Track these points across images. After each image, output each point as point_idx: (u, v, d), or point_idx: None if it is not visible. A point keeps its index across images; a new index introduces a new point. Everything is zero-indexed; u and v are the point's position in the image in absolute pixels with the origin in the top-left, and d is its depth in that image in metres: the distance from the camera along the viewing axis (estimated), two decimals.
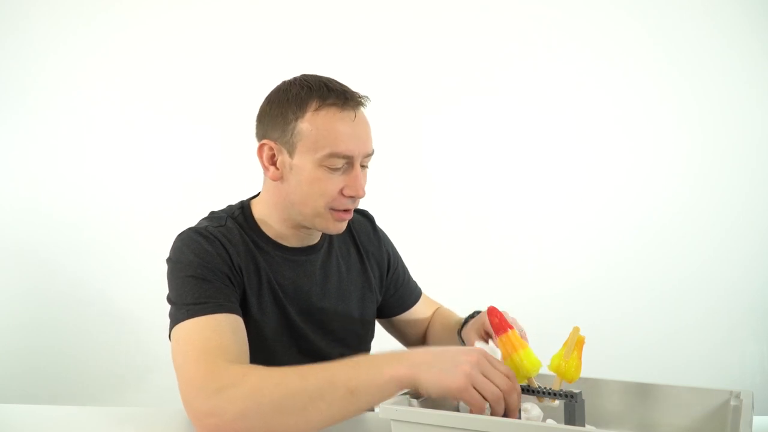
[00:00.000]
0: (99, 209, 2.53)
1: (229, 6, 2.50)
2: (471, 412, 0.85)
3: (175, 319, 1.02)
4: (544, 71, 2.46)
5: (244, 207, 1.19)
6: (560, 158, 2.47)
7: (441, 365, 0.85)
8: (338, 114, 1.08)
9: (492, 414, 0.84)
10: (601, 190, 2.45)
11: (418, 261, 2.32)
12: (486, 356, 0.87)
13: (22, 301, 2.57)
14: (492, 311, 1.00)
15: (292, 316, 1.15)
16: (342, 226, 1.14)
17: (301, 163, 1.08)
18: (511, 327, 0.97)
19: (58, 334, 2.52)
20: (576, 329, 0.91)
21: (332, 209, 1.10)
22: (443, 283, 2.48)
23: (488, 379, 0.84)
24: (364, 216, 1.36)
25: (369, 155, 1.12)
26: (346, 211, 1.12)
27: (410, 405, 0.90)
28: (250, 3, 2.50)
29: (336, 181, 1.09)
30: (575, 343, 0.90)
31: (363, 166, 1.12)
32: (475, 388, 0.83)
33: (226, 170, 2.41)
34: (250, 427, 0.87)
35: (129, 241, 2.46)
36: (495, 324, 0.98)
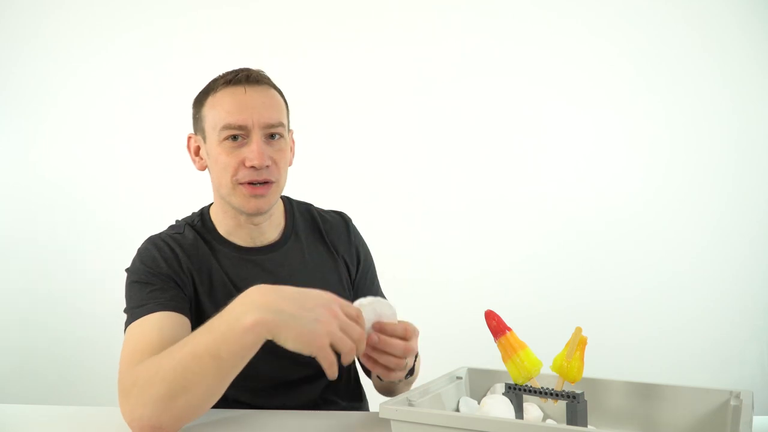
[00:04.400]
0: (98, 209, 2.53)
1: (223, 10, 2.50)
2: (322, 366, 0.84)
3: (125, 324, 1.06)
4: (547, 72, 2.45)
5: (204, 213, 1.24)
6: (563, 159, 2.47)
7: (301, 319, 0.83)
8: (228, 90, 1.13)
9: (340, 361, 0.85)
10: (603, 190, 2.45)
11: (419, 262, 2.33)
12: (340, 305, 0.86)
13: (22, 301, 2.57)
14: (489, 314, 0.99)
15: None
16: (258, 203, 1.14)
17: (210, 145, 1.15)
18: (509, 329, 0.97)
19: (58, 334, 2.52)
20: (578, 330, 0.90)
21: (240, 183, 1.12)
22: (443, 285, 2.49)
23: (346, 334, 0.84)
24: (340, 216, 1.35)
25: (272, 126, 1.14)
26: (254, 185, 1.12)
27: (410, 405, 0.90)
28: (243, 7, 2.50)
29: (236, 154, 1.11)
30: (577, 344, 0.90)
31: (273, 139, 1.14)
32: (332, 345, 0.83)
33: None
34: (158, 417, 0.89)
35: (130, 240, 2.45)
36: (493, 327, 0.98)
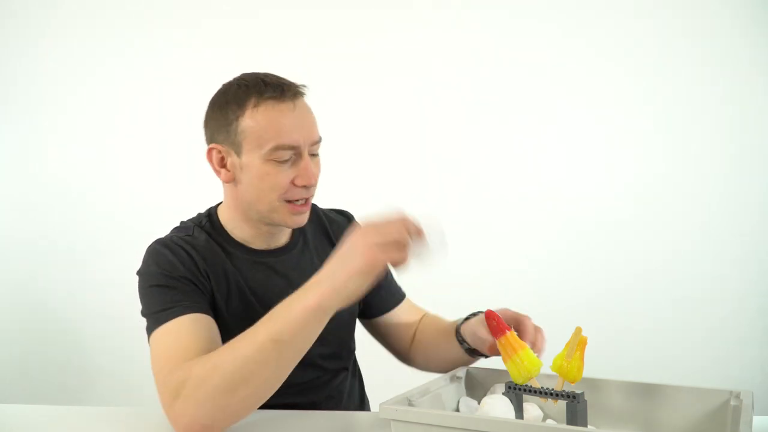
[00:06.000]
0: (99, 208, 2.53)
1: (223, 10, 2.50)
2: (395, 266, 0.89)
3: (148, 330, 1.04)
4: (551, 75, 2.45)
5: (211, 214, 1.21)
6: (563, 159, 2.47)
7: (341, 263, 0.89)
8: (277, 106, 1.08)
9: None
10: (603, 191, 2.45)
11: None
12: (367, 223, 0.91)
13: (22, 301, 2.57)
14: (489, 314, 1.00)
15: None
16: (301, 219, 1.14)
17: (250, 161, 1.09)
18: (509, 329, 0.97)
19: (58, 334, 2.52)
20: (578, 330, 0.91)
21: (287, 201, 1.10)
22: (443, 284, 2.49)
23: (386, 233, 0.88)
24: (344, 216, 1.35)
25: (316, 143, 1.13)
26: (301, 202, 1.12)
27: (410, 405, 0.90)
28: (243, 7, 2.50)
29: (286, 173, 1.09)
30: (577, 344, 0.90)
31: (313, 155, 1.13)
32: (382, 252, 0.87)
33: None
34: (212, 415, 0.89)
35: (130, 240, 2.45)
36: (493, 327, 0.98)
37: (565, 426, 0.83)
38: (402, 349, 1.33)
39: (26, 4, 2.53)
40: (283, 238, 1.21)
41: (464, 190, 2.48)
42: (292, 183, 1.09)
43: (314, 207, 1.32)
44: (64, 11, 2.54)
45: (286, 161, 1.08)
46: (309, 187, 1.11)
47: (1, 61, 2.55)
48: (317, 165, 1.14)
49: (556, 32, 2.44)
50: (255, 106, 1.08)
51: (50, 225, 2.55)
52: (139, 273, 1.12)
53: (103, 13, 2.53)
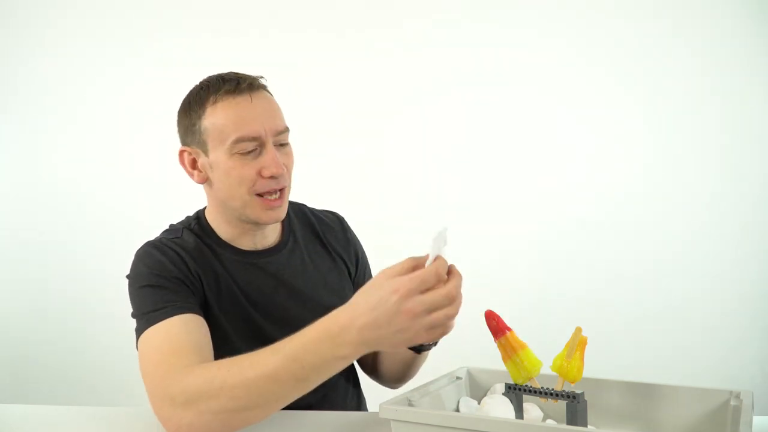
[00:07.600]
0: (100, 208, 2.54)
1: (224, 14, 2.50)
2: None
3: (138, 330, 1.04)
4: (551, 75, 2.45)
5: (200, 217, 1.21)
6: (563, 160, 2.47)
7: (393, 333, 0.79)
8: (234, 99, 1.09)
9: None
10: (603, 191, 2.45)
11: None
12: (413, 287, 0.79)
13: (22, 301, 2.57)
14: (489, 314, 0.99)
15: (258, 320, 1.15)
16: (275, 214, 1.13)
17: (216, 158, 1.10)
18: (509, 329, 0.97)
19: (58, 334, 2.52)
20: (578, 330, 0.91)
21: (257, 195, 1.10)
22: None
23: (436, 308, 0.78)
24: (334, 216, 1.35)
25: (281, 133, 1.12)
26: (270, 198, 1.11)
27: (410, 405, 0.90)
28: (243, 9, 2.50)
29: (252, 165, 1.09)
30: (577, 344, 0.90)
31: (281, 145, 1.13)
32: (435, 332, 0.80)
33: None
34: (210, 427, 0.88)
35: (130, 240, 2.45)
36: (493, 327, 0.98)
37: (565, 426, 0.83)
38: (367, 363, 1.33)
39: (26, 4, 2.54)
40: (271, 237, 1.21)
41: (464, 191, 2.48)
42: (260, 174, 1.09)
43: (303, 207, 1.33)
44: (66, 12, 2.54)
45: (250, 153, 1.09)
46: (277, 177, 1.10)
47: (1, 61, 2.56)
48: (287, 155, 1.14)
49: (555, 33, 2.45)
50: (213, 103, 1.10)
51: (50, 225, 2.55)
52: (128, 276, 1.11)
53: (104, 14, 2.54)
